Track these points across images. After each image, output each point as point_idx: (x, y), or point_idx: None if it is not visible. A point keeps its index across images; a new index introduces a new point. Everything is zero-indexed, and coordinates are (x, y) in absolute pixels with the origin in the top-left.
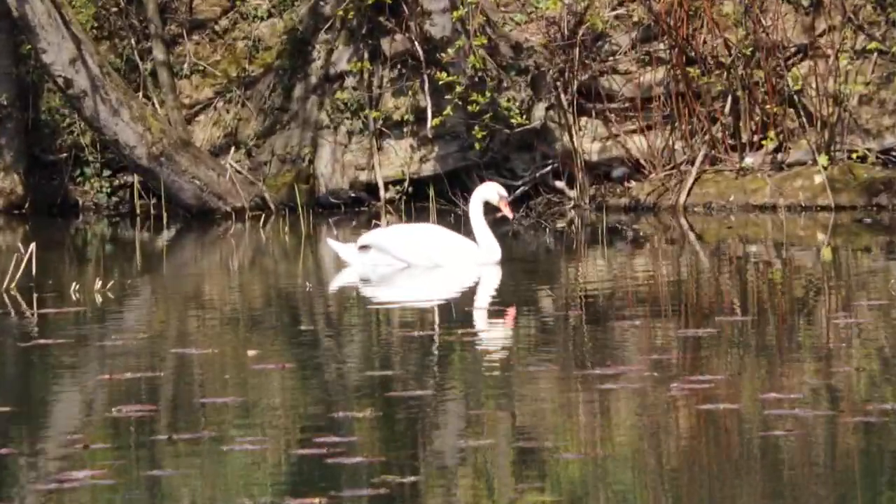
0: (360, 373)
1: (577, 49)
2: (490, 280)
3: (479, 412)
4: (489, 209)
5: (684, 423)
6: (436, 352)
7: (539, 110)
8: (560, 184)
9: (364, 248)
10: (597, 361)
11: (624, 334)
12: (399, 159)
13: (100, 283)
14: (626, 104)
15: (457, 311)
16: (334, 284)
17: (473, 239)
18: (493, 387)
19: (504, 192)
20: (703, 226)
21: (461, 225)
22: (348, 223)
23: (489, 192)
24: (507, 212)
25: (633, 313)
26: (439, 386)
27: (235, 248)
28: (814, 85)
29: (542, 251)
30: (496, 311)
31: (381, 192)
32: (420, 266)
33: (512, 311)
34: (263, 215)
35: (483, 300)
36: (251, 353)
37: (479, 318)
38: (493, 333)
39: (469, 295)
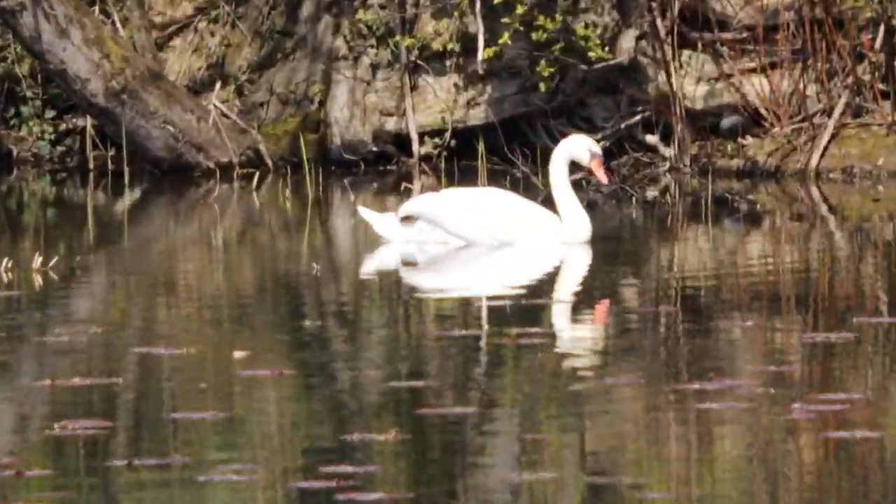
0: (382, 383)
1: None
2: (573, 265)
3: (536, 437)
4: (573, 170)
5: (809, 455)
6: (483, 358)
7: (627, 40)
8: (653, 139)
9: (408, 219)
10: (695, 373)
11: (732, 339)
12: (439, 103)
13: (40, 259)
14: (744, 34)
15: (515, 305)
16: (363, 268)
17: (554, 210)
18: (556, 404)
19: (598, 150)
20: (842, 198)
21: (521, 191)
22: (369, 186)
23: (578, 147)
24: (600, 175)
25: (744, 311)
26: (486, 402)
27: (220, 216)
28: None
29: (627, 228)
30: (570, 306)
31: (415, 146)
32: (483, 245)
33: (602, 308)
34: (258, 173)
35: (557, 290)
36: (239, 354)
37: (546, 314)
38: (560, 336)
39: (542, 284)
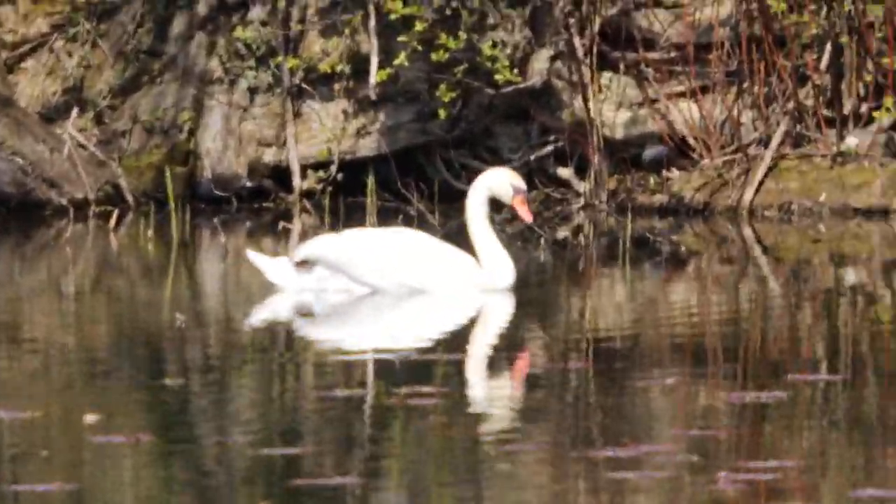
0: (252, 450)
1: None
2: (486, 315)
3: None
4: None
5: None
6: (368, 421)
7: (540, 61)
8: (566, 172)
9: (304, 264)
10: (608, 438)
11: (650, 399)
12: (325, 131)
13: None
14: (672, 54)
15: (405, 361)
16: (249, 318)
17: (472, 253)
18: (450, 474)
19: (522, 184)
20: (778, 238)
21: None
22: (243, 226)
23: (499, 182)
24: (523, 213)
25: (665, 368)
26: (370, 471)
27: (73, 259)
28: None
29: (535, 273)
30: (467, 362)
31: (296, 180)
32: (391, 292)
33: (521, 363)
34: (117, 211)
35: (454, 344)
36: (90, 418)
37: (440, 371)
38: (454, 395)
39: (445, 337)
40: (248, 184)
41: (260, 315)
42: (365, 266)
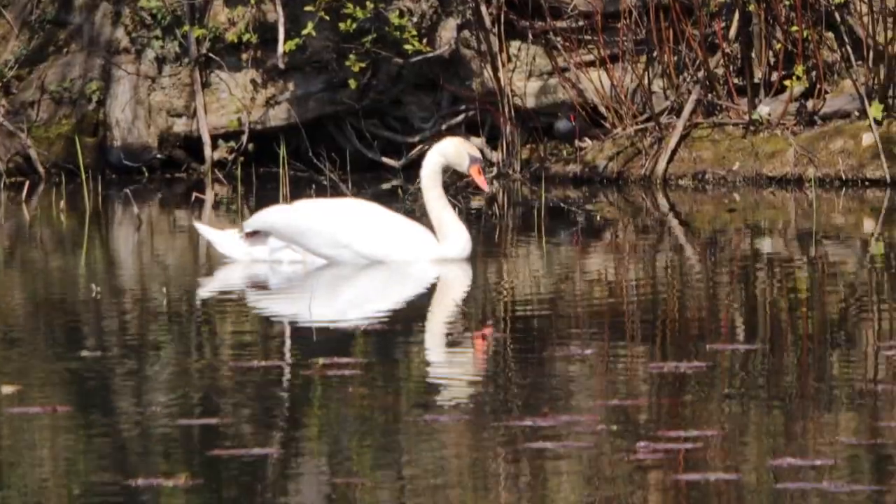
0: (171, 421)
1: None
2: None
3: (347, 481)
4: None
5: (656, 501)
6: (287, 392)
7: (448, 30)
8: (477, 141)
9: (254, 234)
10: (527, 409)
11: (569, 369)
12: (234, 101)
13: None
14: (581, 22)
15: (324, 332)
16: (201, 290)
17: (428, 225)
18: (369, 445)
19: (477, 153)
20: (692, 207)
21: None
22: (154, 196)
23: (454, 151)
24: (480, 182)
25: (582, 338)
26: (288, 442)
27: None
28: None
29: None
30: (387, 332)
31: (207, 151)
32: (343, 263)
33: (483, 334)
34: (27, 183)
35: (375, 314)
36: (7, 389)
37: (359, 341)
38: (373, 367)
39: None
40: (159, 154)
41: (210, 287)
42: (320, 237)
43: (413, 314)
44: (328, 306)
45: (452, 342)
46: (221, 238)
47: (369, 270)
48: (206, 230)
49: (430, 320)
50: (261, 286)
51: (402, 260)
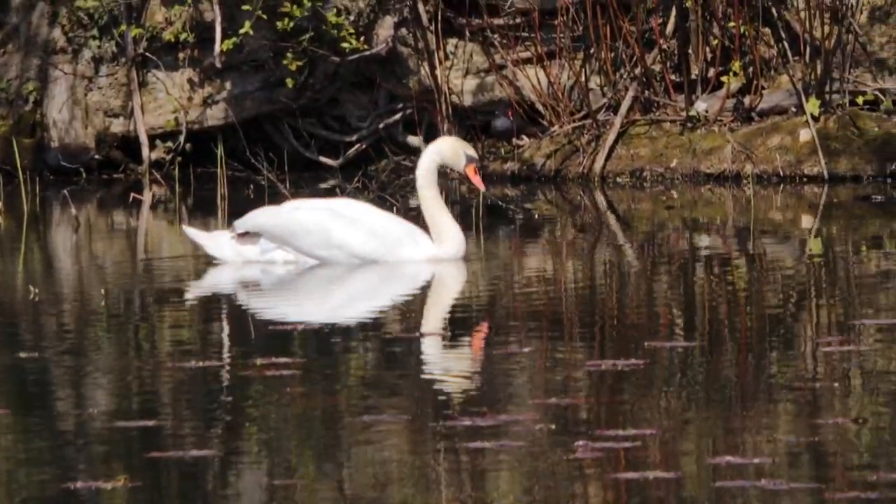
0: (109, 423)
1: None
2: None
3: (286, 482)
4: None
5: (596, 500)
6: (225, 393)
7: (385, 28)
8: (415, 140)
9: (245, 235)
10: (465, 408)
11: (507, 368)
12: (171, 101)
13: None
14: (518, 19)
15: (261, 332)
16: (188, 293)
17: (421, 224)
18: (308, 445)
19: (473, 153)
20: (630, 205)
21: (266, 201)
22: (92, 197)
23: (450, 150)
24: (477, 182)
25: (521, 337)
26: (228, 443)
27: None
28: None
29: None
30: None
31: (145, 151)
32: (337, 264)
33: (478, 335)
34: None
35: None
36: None
37: (298, 341)
38: (311, 366)
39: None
40: (97, 155)
41: (200, 288)
42: (312, 238)
43: (347, 313)
44: (296, 306)
45: (388, 342)
46: (210, 240)
47: (356, 271)
48: (194, 233)
49: (365, 320)
50: (250, 286)
51: (395, 260)
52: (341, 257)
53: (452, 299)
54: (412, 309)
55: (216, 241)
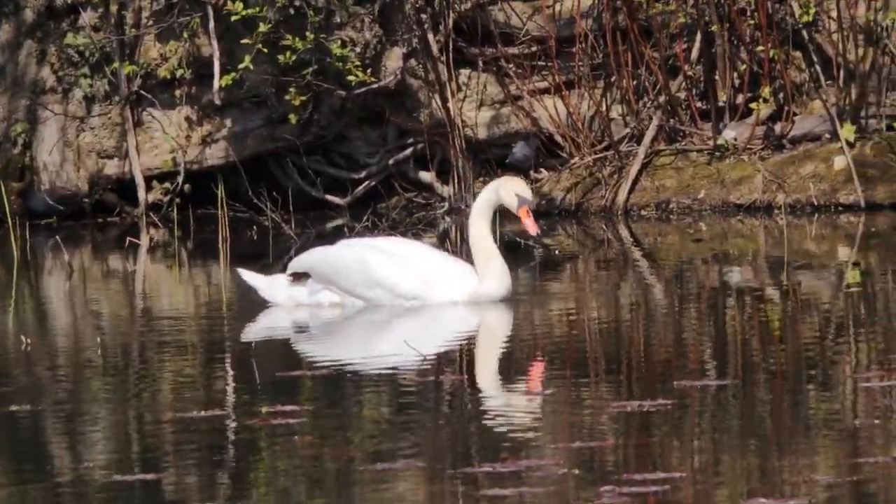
0: (106, 478)
1: None
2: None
3: None
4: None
5: None
6: (228, 443)
7: (393, 60)
8: (427, 176)
9: (298, 277)
10: (486, 454)
11: (529, 411)
12: (168, 141)
13: None
14: (534, 48)
15: (268, 378)
16: (244, 334)
17: (469, 261)
18: (318, 496)
19: (528, 195)
20: (656, 238)
21: (270, 244)
22: (85, 242)
23: (508, 190)
24: (528, 225)
25: (543, 378)
26: (233, 497)
27: None
28: (834, 13)
29: None
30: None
31: (141, 193)
32: (381, 305)
33: (536, 375)
34: None
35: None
36: None
37: (306, 388)
38: (321, 414)
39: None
40: (87, 199)
41: (252, 331)
42: (354, 277)
43: (359, 358)
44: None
45: (403, 385)
46: (266, 283)
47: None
48: (249, 276)
49: (379, 364)
50: (303, 330)
51: (437, 301)
52: (384, 297)
53: (469, 340)
54: (427, 350)
55: (270, 284)
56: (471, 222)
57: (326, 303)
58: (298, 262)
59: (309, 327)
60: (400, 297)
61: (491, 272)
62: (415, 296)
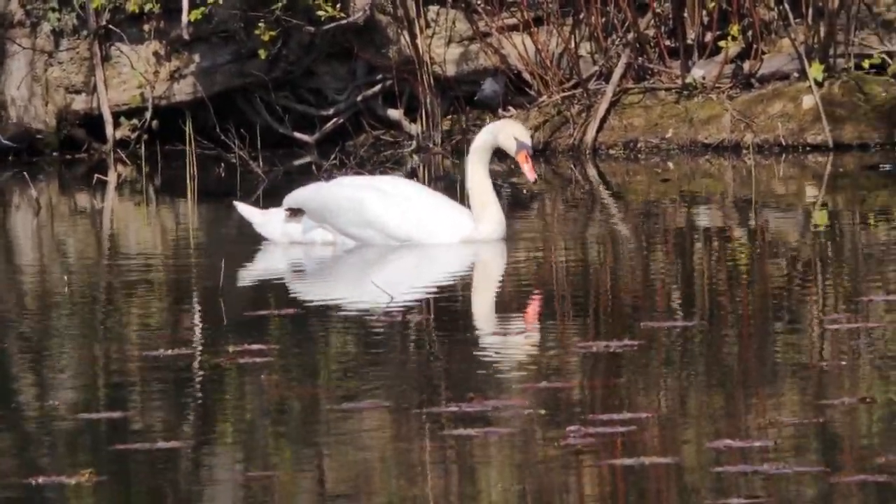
0: (72, 415)
1: None
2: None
3: (263, 474)
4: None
5: (590, 488)
6: (196, 382)
7: None
8: (395, 113)
9: (294, 213)
10: (452, 393)
11: (495, 351)
12: (137, 76)
13: None
14: None
15: (233, 318)
16: (245, 272)
17: (465, 202)
18: (284, 435)
19: (527, 140)
20: (624, 178)
21: (238, 180)
22: (53, 178)
23: (506, 133)
24: (527, 171)
25: (509, 317)
26: (200, 435)
27: None
28: None
29: None
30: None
31: (109, 129)
32: (373, 245)
33: (531, 312)
34: None
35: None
36: None
37: (271, 327)
38: (287, 353)
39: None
40: (58, 133)
41: (252, 271)
42: (347, 216)
43: (325, 297)
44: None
45: (368, 325)
46: (263, 218)
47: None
48: (246, 210)
49: (344, 303)
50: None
51: (430, 242)
52: (376, 238)
53: (431, 280)
54: (392, 289)
55: (269, 220)
56: (468, 161)
57: (319, 241)
58: (293, 198)
59: (287, 267)
60: (392, 238)
61: (487, 215)
62: (408, 237)
